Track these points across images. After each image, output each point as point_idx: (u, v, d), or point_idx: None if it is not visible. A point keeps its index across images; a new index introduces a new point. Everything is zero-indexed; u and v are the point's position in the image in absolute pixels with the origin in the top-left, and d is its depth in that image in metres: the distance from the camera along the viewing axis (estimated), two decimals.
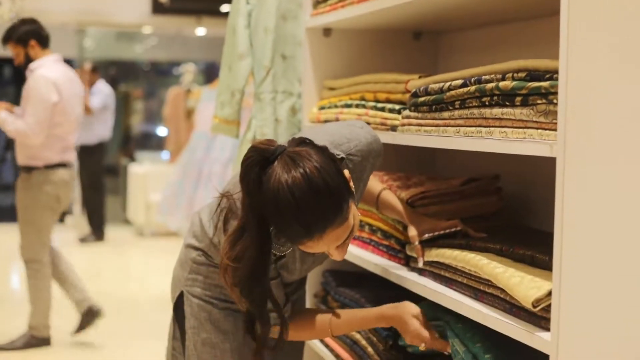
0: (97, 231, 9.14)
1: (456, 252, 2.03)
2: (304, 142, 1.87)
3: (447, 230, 2.19)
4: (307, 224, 1.78)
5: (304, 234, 1.80)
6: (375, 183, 2.36)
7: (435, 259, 2.10)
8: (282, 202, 1.76)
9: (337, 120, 2.57)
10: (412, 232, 2.20)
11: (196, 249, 2.17)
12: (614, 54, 1.55)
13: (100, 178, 9.19)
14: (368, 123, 2.40)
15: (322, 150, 1.85)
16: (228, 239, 1.91)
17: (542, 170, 1.99)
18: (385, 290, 2.49)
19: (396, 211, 2.28)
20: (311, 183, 1.76)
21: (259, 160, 1.80)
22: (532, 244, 1.91)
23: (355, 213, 1.88)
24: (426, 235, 2.19)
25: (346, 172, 1.88)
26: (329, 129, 2.13)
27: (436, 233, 2.19)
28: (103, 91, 9.02)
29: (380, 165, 2.25)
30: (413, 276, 2.20)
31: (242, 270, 1.90)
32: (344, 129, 2.12)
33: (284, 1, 3.08)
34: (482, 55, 2.69)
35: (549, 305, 1.61)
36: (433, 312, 2.09)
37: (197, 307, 2.16)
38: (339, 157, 2.00)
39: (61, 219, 11.14)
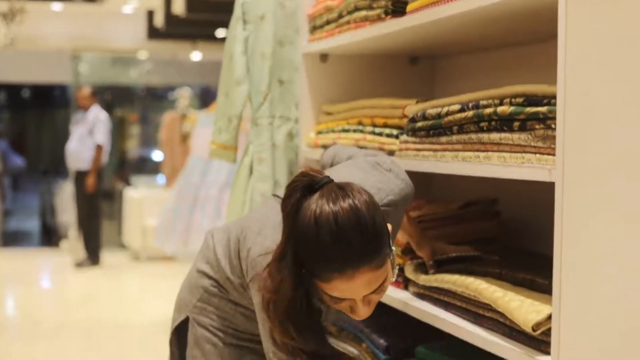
0: (93, 256, 9.11)
1: (455, 277, 2.03)
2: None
3: (460, 254, 2.17)
4: (343, 256, 1.64)
5: (336, 267, 1.65)
6: None
7: (435, 284, 2.10)
8: (322, 228, 1.63)
9: (334, 144, 2.55)
10: (425, 251, 2.19)
11: (209, 277, 2.06)
12: (611, 79, 1.56)
13: (96, 203, 9.17)
14: (365, 147, 2.40)
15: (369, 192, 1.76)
16: (266, 270, 1.77)
17: (541, 194, 1.99)
18: (385, 315, 2.48)
19: (404, 230, 2.24)
20: (359, 215, 1.65)
21: (304, 186, 1.70)
22: (532, 268, 1.92)
23: (391, 268, 1.75)
24: (435, 259, 2.18)
25: (389, 226, 1.76)
26: (355, 173, 1.98)
27: (451, 255, 2.17)
28: (99, 118, 9.02)
29: None
30: (413, 300, 2.20)
31: (280, 303, 1.74)
32: (371, 175, 1.98)
33: (281, 27, 3.10)
34: (479, 79, 2.70)
35: (549, 329, 1.61)
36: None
37: (202, 338, 2.07)
38: None
39: (57, 244, 11.12)
